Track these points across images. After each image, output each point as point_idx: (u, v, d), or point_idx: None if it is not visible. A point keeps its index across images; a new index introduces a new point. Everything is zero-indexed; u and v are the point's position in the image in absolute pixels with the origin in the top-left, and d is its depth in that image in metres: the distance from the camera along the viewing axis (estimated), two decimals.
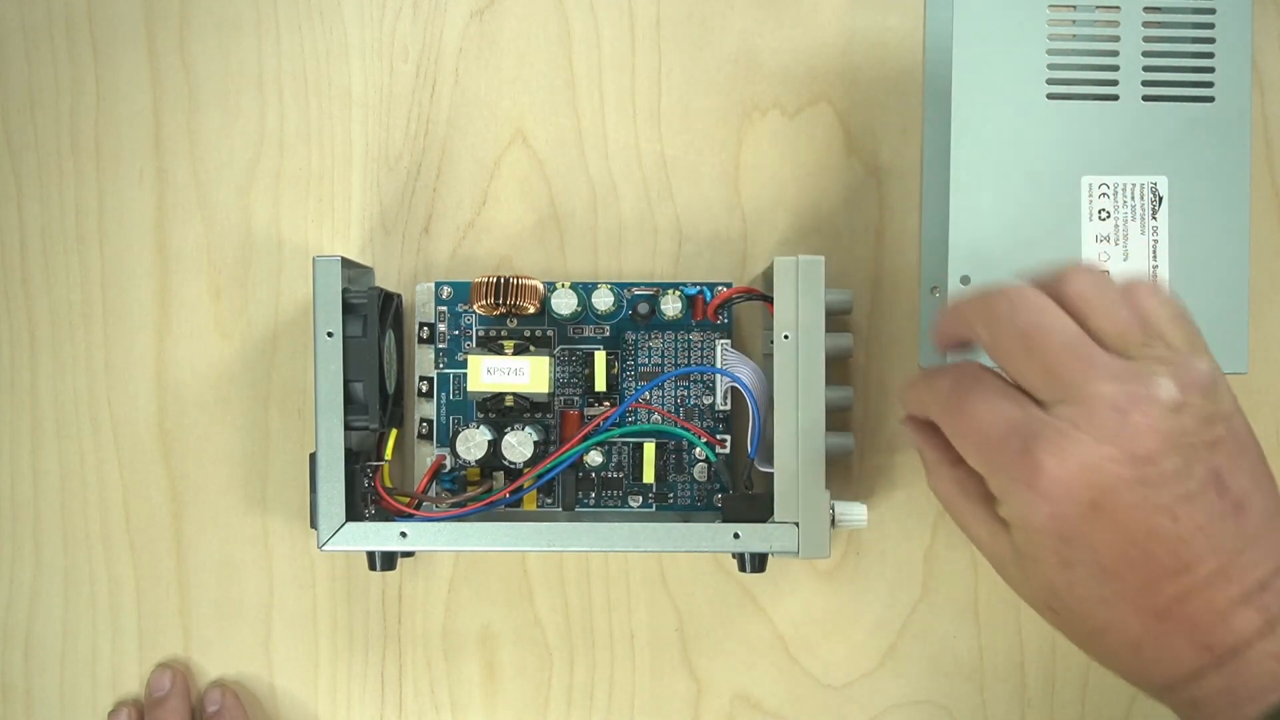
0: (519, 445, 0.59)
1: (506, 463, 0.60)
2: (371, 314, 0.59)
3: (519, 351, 0.61)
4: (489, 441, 0.60)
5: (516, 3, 0.67)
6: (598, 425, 0.61)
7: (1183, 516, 0.43)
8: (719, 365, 0.60)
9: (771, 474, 0.57)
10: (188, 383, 0.67)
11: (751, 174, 0.67)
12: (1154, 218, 0.58)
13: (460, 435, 0.60)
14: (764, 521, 0.57)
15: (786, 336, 0.57)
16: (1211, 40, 0.57)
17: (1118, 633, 0.44)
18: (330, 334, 0.57)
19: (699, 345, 0.63)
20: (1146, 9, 0.58)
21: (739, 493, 0.58)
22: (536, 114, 0.67)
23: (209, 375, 0.67)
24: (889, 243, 0.67)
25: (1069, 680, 0.68)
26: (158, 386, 0.67)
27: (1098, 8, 0.58)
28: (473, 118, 0.67)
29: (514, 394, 0.60)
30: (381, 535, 0.58)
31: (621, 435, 0.62)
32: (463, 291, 0.64)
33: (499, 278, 0.60)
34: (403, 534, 0.57)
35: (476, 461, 0.60)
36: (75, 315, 0.67)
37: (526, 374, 0.59)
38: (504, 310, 0.61)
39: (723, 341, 0.61)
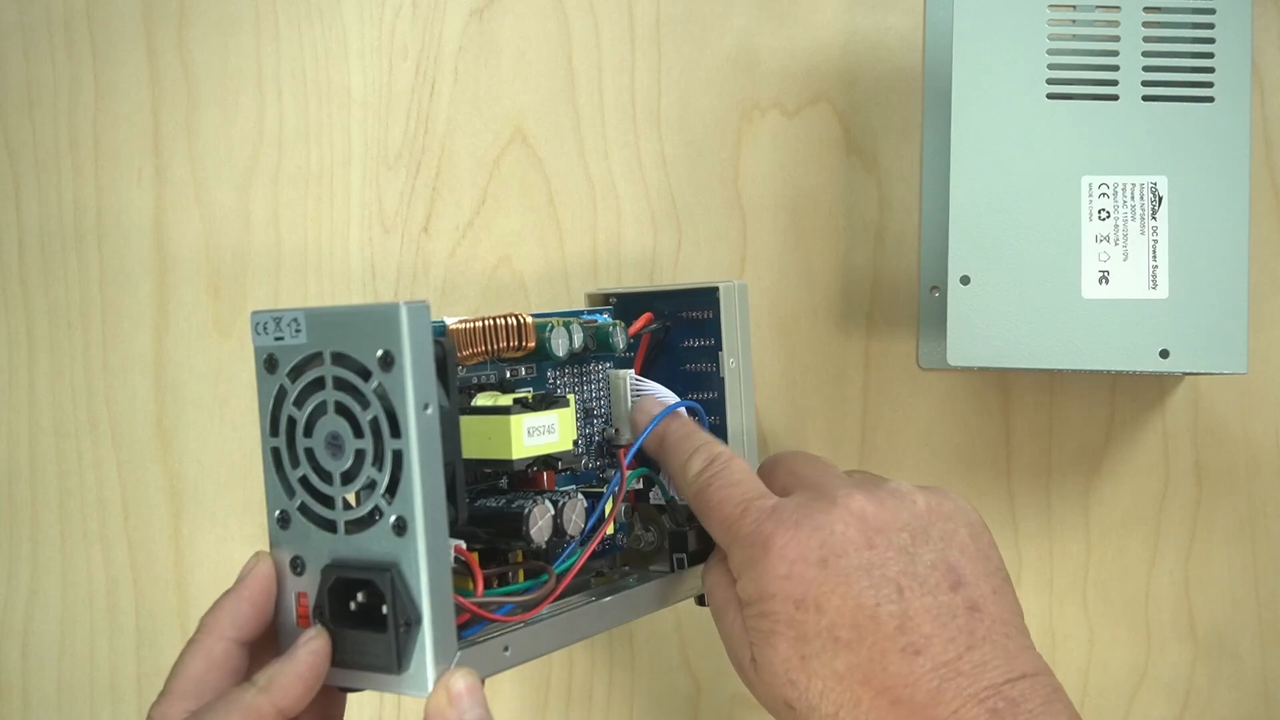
0: (578, 517, 0.50)
1: (568, 539, 0.50)
2: (452, 371, 0.46)
3: (540, 403, 0.50)
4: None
5: (516, 2, 0.67)
6: (625, 480, 0.53)
7: (909, 593, 0.44)
8: (630, 394, 0.56)
9: (684, 504, 0.54)
10: (186, 382, 0.67)
11: (751, 173, 0.67)
12: (1154, 218, 0.58)
13: (532, 514, 0.48)
14: (708, 554, 0.54)
15: (733, 363, 0.56)
16: (1211, 40, 0.57)
17: (849, 714, 0.44)
18: (427, 407, 0.42)
19: (598, 377, 0.56)
20: (1146, 9, 0.58)
21: (692, 526, 0.54)
22: (536, 113, 0.67)
23: (207, 374, 0.66)
24: (889, 243, 0.67)
25: (1069, 680, 0.67)
26: (156, 385, 0.67)
27: (1098, 8, 0.58)
28: (472, 117, 0.67)
29: (546, 457, 0.50)
30: (488, 658, 0.45)
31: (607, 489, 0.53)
32: None
33: (510, 319, 0.50)
34: (505, 649, 0.45)
35: (546, 544, 0.49)
36: (73, 314, 0.67)
37: (556, 431, 0.49)
38: (494, 356, 0.51)
39: (626, 371, 0.56)
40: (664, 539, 0.56)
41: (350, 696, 0.45)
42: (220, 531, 0.67)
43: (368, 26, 0.66)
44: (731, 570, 0.48)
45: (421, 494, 0.42)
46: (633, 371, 0.56)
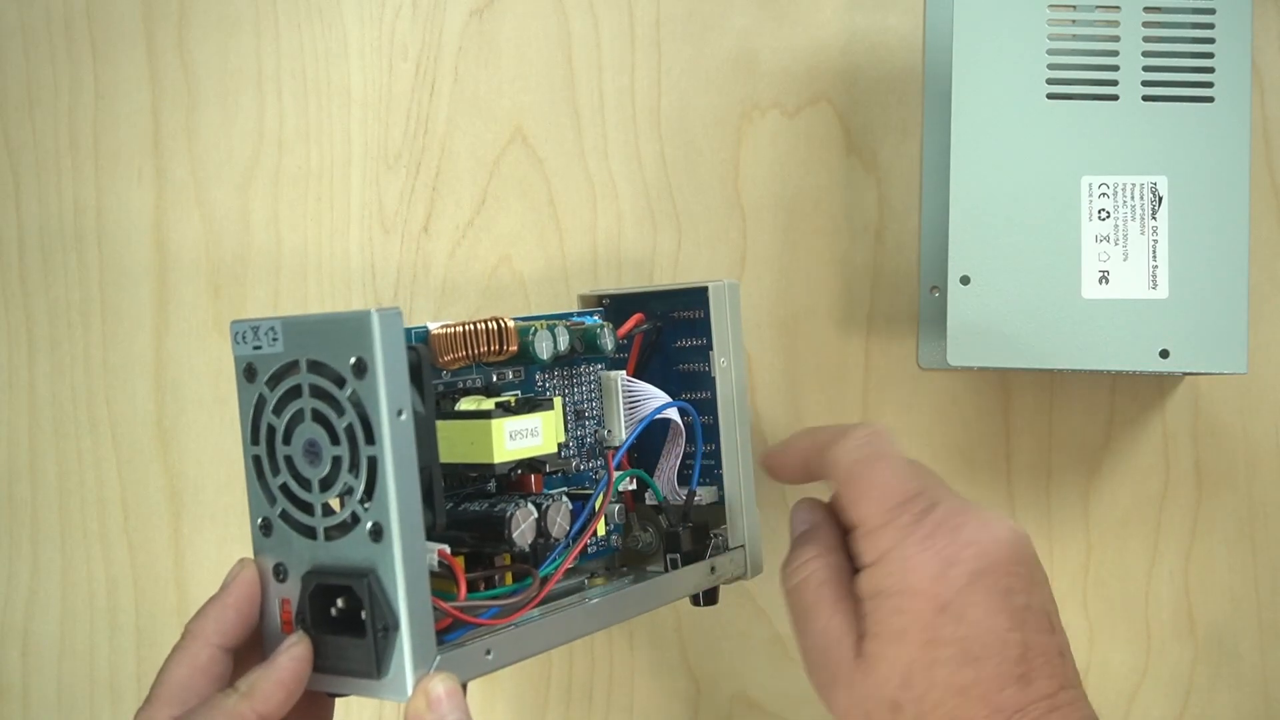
0: (562, 519, 0.50)
1: (555, 542, 0.50)
2: (426, 377, 0.47)
3: (523, 407, 0.50)
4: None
5: (516, 2, 0.67)
6: (612, 482, 0.53)
7: (1027, 626, 0.45)
8: (623, 395, 0.56)
9: (678, 505, 0.56)
10: (186, 381, 0.67)
11: (751, 173, 0.67)
12: (1154, 218, 0.58)
13: (514, 517, 0.48)
14: (704, 554, 0.55)
15: (724, 363, 0.56)
16: (1211, 40, 0.57)
17: None
18: (401, 413, 0.42)
19: (589, 378, 0.56)
20: (1146, 9, 0.58)
21: (685, 527, 0.55)
22: (536, 113, 0.67)
23: (207, 374, 0.66)
24: (889, 243, 0.67)
25: None
26: (156, 385, 0.67)
27: (1098, 8, 0.58)
28: (472, 117, 0.67)
29: (530, 460, 0.50)
30: (469, 662, 0.45)
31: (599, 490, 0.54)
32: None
33: (490, 323, 0.50)
34: (488, 653, 0.45)
35: (530, 546, 0.49)
36: (74, 314, 0.67)
37: (539, 434, 0.49)
38: (476, 360, 0.50)
39: (618, 373, 0.56)
40: (661, 539, 0.56)
41: (349, 698, 0.46)
42: (220, 531, 0.67)
43: (368, 26, 0.66)
44: (861, 556, 0.46)
45: (396, 499, 0.42)
46: (624, 373, 0.56)
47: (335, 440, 0.43)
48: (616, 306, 0.59)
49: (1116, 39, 0.58)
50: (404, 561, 0.42)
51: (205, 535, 0.67)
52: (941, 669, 0.44)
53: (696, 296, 0.57)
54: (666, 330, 0.58)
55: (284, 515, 0.44)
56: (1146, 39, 0.58)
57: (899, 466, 0.47)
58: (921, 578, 0.44)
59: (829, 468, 0.49)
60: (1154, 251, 0.58)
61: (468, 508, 0.50)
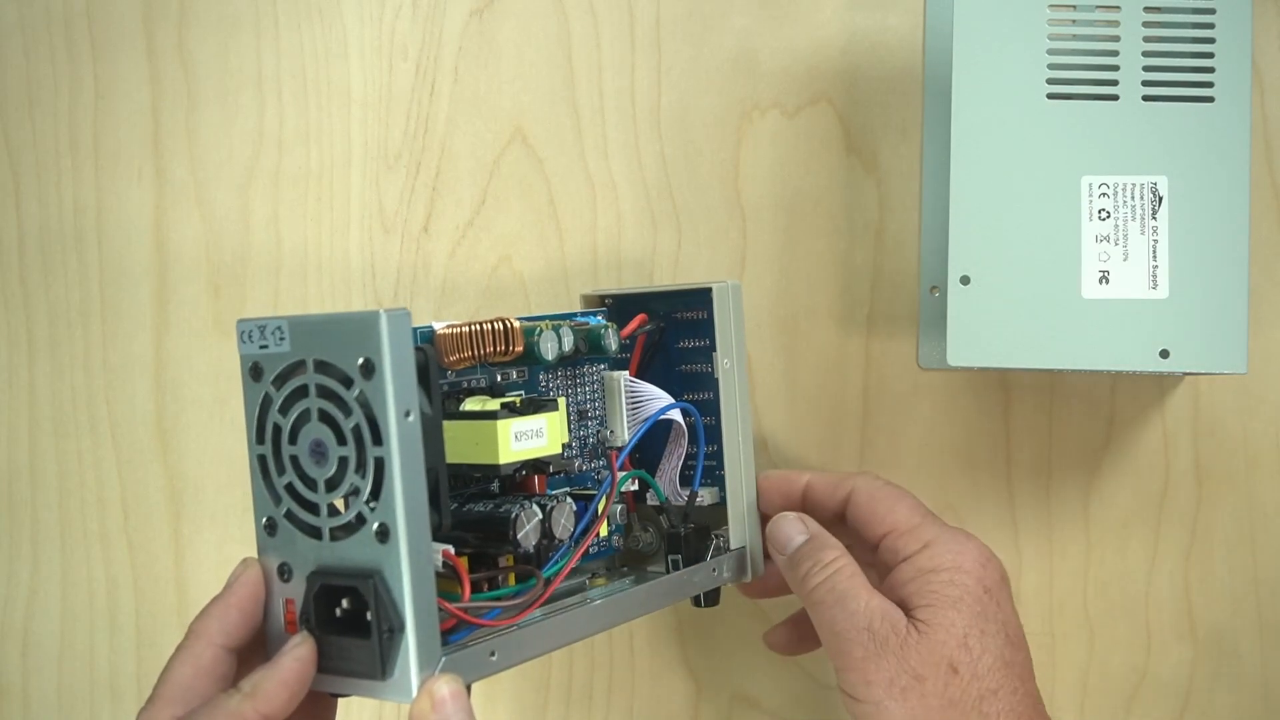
0: (566, 521, 0.50)
1: (558, 543, 0.50)
2: (434, 378, 0.47)
3: (528, 407, 0.50)
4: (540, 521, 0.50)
5: (516, 2, 0.67)
6: (616, 483, 0.53)
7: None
8: (626, 395, 0.56)
9: (679, 506, 0.56)
10: (186, 381, 0.67)
11: (751, 173, 0.67)
12: (1154, 218, 0.58)
13: (518, 519, 0.48)
14: (706, 555, 0.56)
15: (727, 364, 0.56)
16: (1211, 40, 0.57)
17: (1007, 698, 0.50)
18: (408, 414, 0.42)
19: (592, 379, 0.56)
20: (1146, 9, 0.58)
21: (687, 528, 0.55)
22: (536, 113, 0.67)
23: (207, 374, 0.66)
24: (889, 243, 0.67)
25: (1069, 680, 0.67)
26: (156, 385, 0.67)
27: (1098, 8, 0.58)
28: (472, 117, 0.67)
29: (535, 461, 0.50)
30: (474, 663, 0.45)
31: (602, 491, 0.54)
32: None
33: (496, 324, 0.50)
34: (492, 654, 0.46)
35: (534, 547, 0.49)
36: (74, 314, 0.67)
37: (544, 434, 0.49)
38: (481, 361, 0.50)
39: (621, 373, 0.56)
40: (662, 540, 0.56)
41: (349, 698, 0.46)
42: (220, 532, 0.67)
43: (368, 26, 0.66)
44: (899, 552, 0.53)
45: (403, 501, 0.42)
46: (627, 373, 0.56)
47: (342, 440, 0.43)
48: (619, 307, 0.59)
49: (1116, 39, 0.58)
50: (410, 563, 0.42)
51: (205, 535, 0.67)
52: (991, 639, 0.50)
53: (700, 297, 0.57)
54: (669, 331, 0.58)
55: (289, 515, 0.44)
56: (1146, 39, 0.58)
57: (914, 496, 0.56)
58: (970, 559, 0.52)
59: (846, 494, 0.56)
60: (1154, 251, 0.58)
61: (472, 508, 0.50)
